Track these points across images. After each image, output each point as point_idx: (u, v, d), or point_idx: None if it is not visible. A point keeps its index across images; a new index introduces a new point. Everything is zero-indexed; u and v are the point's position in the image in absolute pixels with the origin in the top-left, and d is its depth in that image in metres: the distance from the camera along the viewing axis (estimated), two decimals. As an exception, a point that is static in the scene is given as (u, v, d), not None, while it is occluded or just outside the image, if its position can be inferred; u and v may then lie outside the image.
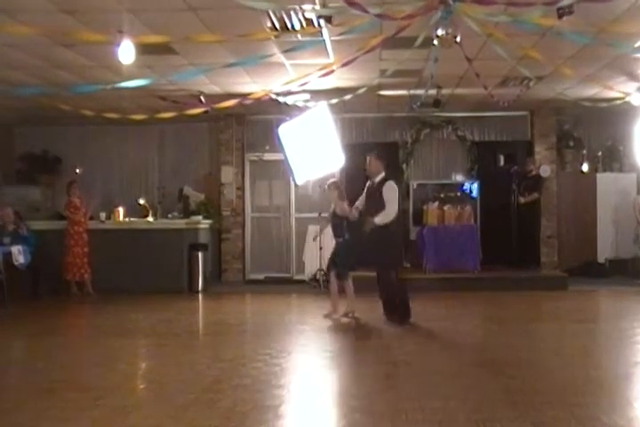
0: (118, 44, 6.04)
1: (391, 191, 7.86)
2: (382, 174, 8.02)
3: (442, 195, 12.04)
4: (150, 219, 11.63)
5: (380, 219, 7.66)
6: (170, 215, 11.96)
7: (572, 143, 12.98)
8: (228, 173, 12.99)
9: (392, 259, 8.04)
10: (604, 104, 10.65)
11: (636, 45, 7.87)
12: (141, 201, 11.98)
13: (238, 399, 4.80)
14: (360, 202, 8.41)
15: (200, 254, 11.41)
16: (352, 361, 6.14)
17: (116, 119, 9.56)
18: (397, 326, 7.66)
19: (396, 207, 7.75)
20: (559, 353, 6.09)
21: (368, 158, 8.14)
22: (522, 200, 12.03)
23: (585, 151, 13.00)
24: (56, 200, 12.69)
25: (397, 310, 7.95)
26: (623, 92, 10.27)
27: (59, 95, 9.25)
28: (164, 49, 7.68)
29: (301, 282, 12.10)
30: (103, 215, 11.47)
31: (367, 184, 8.32)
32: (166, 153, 13.38)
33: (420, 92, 10.35)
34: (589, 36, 6.84)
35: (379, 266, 8.03)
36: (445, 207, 11.74)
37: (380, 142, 13.13)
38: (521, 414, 4.40)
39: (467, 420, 4.35)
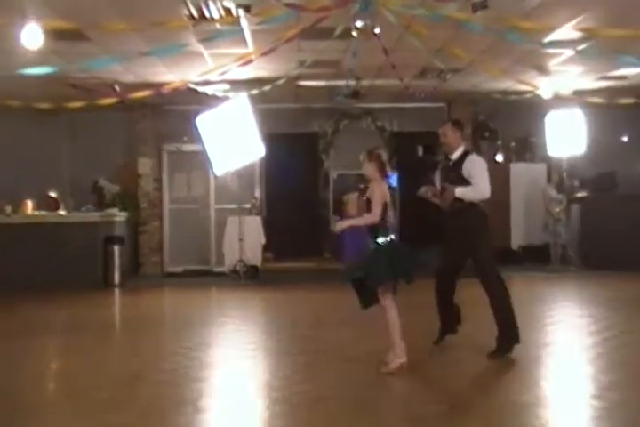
0: (22, 28, 5.73)
1: (476, 165, 5.73)
2: (462, 148, 5.87)
3: (362, 185, 12.13)
4: (62, 212, 11.25)
5: (465, 191, 5.62)
6: (83, 208, 11.61)
7: (487, 134, 13.36)
8: (144, 165, 12.73)
9: (491, 252, 5.84)
10: (515, 97, 11.02)
11: (546, 40, 8.15)
12: (52, 193, 11.56)
13: (157, 394, 4.72)
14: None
15: (116, 248, 11.15)
16: (273, 353, 6.13)
17: (18, 107, 9.12)
18: (498, 355, 5.54)
19: (487, 183, 5.65)
20: (475, 336, 6.24)
21: (442, 130, 5.90)
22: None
23: (499, 142, 13.41)
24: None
25: (455, 319, 6.04)
26: (534, 86, 10.63)
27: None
28: (74, 35, 7.38)
29: (221, 274, 11.99)
30: (9, 209, 10.97)
31: (441, 165, 6.30)
32: (79, 143, 12.89)
33: (339, 82, 10.39)
34: (502, 31, 7.00)
35: (479, 260, 5.71)
36: (365, 197, 11.87)
37: (299, 133, 13.18)
38: (438, 399, 4.50)
39: (387, 406, 4.42)
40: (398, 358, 5.09)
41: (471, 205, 5.68)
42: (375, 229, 5.22)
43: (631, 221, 11.38)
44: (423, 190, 5.99)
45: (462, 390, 4.77)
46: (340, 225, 5.36)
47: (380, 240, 5.19)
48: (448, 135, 5.86)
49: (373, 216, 5.18)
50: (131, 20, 6.67)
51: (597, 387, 4.72)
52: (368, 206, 5.28)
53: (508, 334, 5.55)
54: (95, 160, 12.73)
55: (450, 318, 5.99)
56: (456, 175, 5.73)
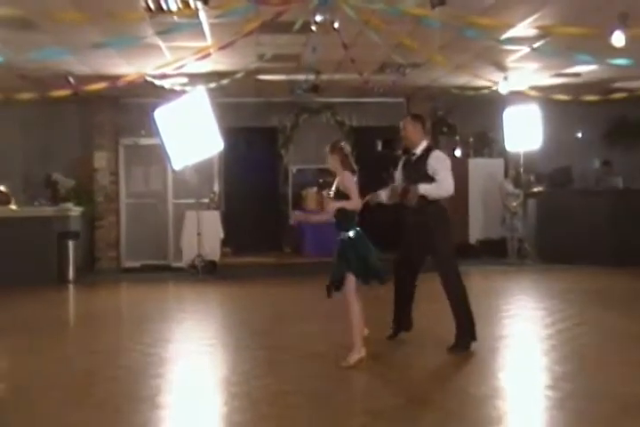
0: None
1: (440, 161, 5.70)
2: (425, 143, 5.81)
3: (321, 180, 12.15)
4: (13, 207, 10.98)
5: (429, 188, 5.56)
6: (36, 203, 11.36)
7: (445, 129, 13.47)
8: (101, 158, 12.52)
9: (452, 247, 5.85)
10: (473, 92, 11.14)
11: (503, 37, 8.24)
12: (1, 188, 11.26)
13: (112, 392, 4.65)
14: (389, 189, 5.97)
15: (71, 243, 10.93)
16: (232, 348, 6.10)
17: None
18: (456, 350, 5.53)
19: (452, 180, 5.63)
20: (433, 330, 6.30)
21: (402, 124, 5.84)
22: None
23: (458, 137, 13.53)
24: None
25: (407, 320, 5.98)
26: (492, 81, 10.75)
27: None
28: (22, 23, 7.11)
29: (179, 269, 11.85)
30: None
31: (402, 160, 6.04)
32: (31, 136, 12.57)
33: (299, 77, 10.36)
34: (461, 27, 7.05)
35: (439, 257, 5.70)
36: (324, 192, 11.88)
37: (259, 127, 13.12)
38: (397, 393, 4.53)
39: (347, 400, 4.43)
40: (357, 352, 5.11)
41: (432, 202, 5.67)
42: (346, 222, 5.20)
43: (585, 215, 11.60)
44: (369, 197, 5.84)
45: (421, 384, 4.82)
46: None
47: (351, 233, 5.18)
48: (408, 129, 5.79)
49: (356, 202, 5.17)
50: (84, 10, 6.52)
51: (552, 378, 4.81)
52: (338, 198, 5.24)
53: (466, 330, 5.60)
54: (48, 153, 12.44)
55: (406, 314, 5.95)
56: (420, 171, 5.64)
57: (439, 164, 5.68)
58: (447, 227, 5.75)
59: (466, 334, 5.59)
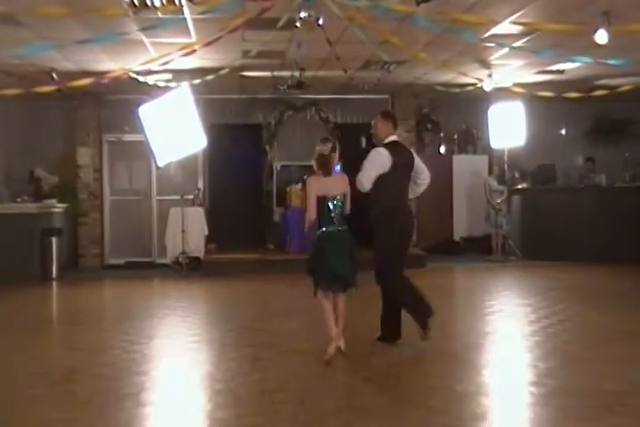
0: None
1: (369, 157, 5.71)
2: (391, 138, 5.87)
3: (305, 176, 12.11)
4: (-5, 203, 10.90)
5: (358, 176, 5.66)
6: (19, 199, 11.27)
7: (430, 126, 13.51)
8: (84, 155, 12.43)
9: (387, 241, 5.75)
10: (457, 90, 11.17)
11: (485, 35, 8.26)
12: None
13: (95, 389, 4.62)
14: None
15: (54, 240, 10.85)
16: (216, 345, 6.08)
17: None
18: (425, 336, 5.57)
19: (364, 178, 5.58)
20: (417, 328, 6.31)
21: (373, 121, 5.98)
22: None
23: (442, 134, 13.58)
24: None
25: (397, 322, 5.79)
26: (476, 79, 10.78)
27: None
28: (5, 18, 7.03)
29: (164, 266, 11.82)
30: None
31: None
32: (14, 132, 12.47)
33: (283, 73, 10.34)
34: (443, 25, 7.04)
35: (375, 252, 5.80)
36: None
37: (243, 123, 13.08)
38: (381, 390, 4.54)
39: (332, 397, 4.44)
40: (333, 342, 5.15)
41: (366, 195, 5.70)
42: (319, 219, 5.26)
43: (569, 212, 11.68)
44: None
45: (405, 381, 4.83)
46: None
47: (322, 230, 5.24)
48: (377, 127, 5.94)
49: (308, 214, 5.27)
50: (67, 5, 6.45)
51: (536, 374, 4.84)
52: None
53: (421, 314, 5.55)
54: (32, 150, 12.34)
55: (395, 323, 5.76)
56: None
57: (366, 159, 5.73)
58: (385, 228, 5.72)
59: (421, 316, 5.54)
